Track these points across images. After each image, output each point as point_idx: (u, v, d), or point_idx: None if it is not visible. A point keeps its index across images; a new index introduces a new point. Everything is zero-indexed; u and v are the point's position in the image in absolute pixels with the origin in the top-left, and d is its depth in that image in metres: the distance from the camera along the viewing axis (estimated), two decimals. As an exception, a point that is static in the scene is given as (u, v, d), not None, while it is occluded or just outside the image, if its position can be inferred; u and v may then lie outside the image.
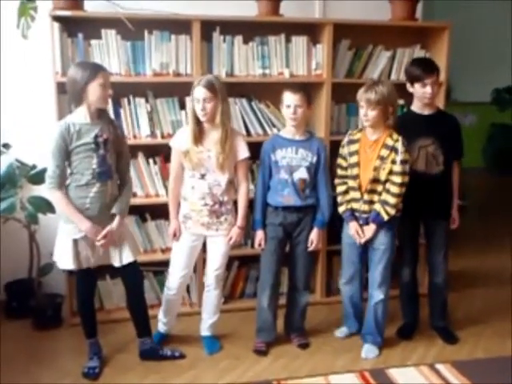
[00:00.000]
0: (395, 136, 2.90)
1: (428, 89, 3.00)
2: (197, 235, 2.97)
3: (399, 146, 2.87)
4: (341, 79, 3.53)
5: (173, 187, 2.97)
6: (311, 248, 3.05)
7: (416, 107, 3.14)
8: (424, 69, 3.02)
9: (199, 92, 2.78)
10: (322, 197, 3.03)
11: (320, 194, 3.03)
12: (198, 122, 2.83)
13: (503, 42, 7.84)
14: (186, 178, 2.93)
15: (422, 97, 3.04)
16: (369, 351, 3.09)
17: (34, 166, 3.32)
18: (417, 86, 3.04)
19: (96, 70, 2.63)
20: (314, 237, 3.03)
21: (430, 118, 3.11)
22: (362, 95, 2.89)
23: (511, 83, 7.95)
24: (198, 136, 2.84)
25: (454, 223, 3.23)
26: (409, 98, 3.68)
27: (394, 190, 2.89)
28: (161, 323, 3.15)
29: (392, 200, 2.90)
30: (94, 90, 2.61)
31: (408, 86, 3.11)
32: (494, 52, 7.81)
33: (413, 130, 3.04)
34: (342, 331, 3.29)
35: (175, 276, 3.00)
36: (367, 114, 2.87)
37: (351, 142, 3.01)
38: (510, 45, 7.81)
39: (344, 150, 3.03)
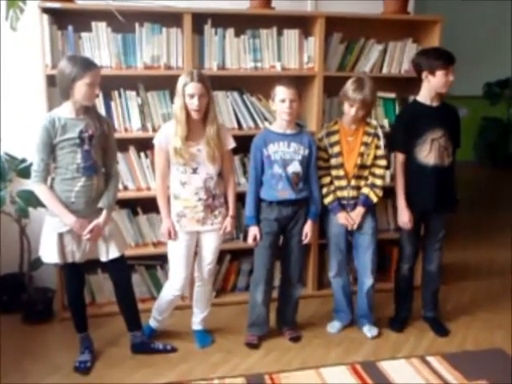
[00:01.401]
0: (373, 123, 3.10)
1: (451, 77, 2.99)
2: (192, 233, 2.95)
3: (379, 131, 3.06)
4: (332, 72, 3.53)
5: (161, 185, 2.92)
6: (306, 240, 3.06)
7: (424, 99, 3.09)
8: (448, 57, 3.01)
9: (194, 88, 2.73)
10: (315, 189, 3.05)
11: (312, 187, 3.04)
12: (187, 118, 2.79)
13: (494, 36, 7.85)
14: (174, 175, 2.89)
15: (443, 85, 3.00)
16: (371, 330, 3.21)
17: (23, 160, 3.30)
18: (439, 74, 2.98)
19: (85, 67, 2.57)
20: (309, 229, 3.04)
21: (439, 109, 3.09)
22: (355, 95, 2.94)
23: (502, 77, 7.98)
24: (189, 132, 2.81)
25: None
26: (399, 91, 3.72)
27: (380, 172, 3.07)
28: (154, 320, 3.13)
29: (379, 182, 3.06)
30: (80, 89, 2.57)
31: (424, 75, 3.02)
32: (486, 46, 7.82)
33: (423, 122, 3.05)
34: (333, 326, 3.29)
35: (178, 277, 2.97)
36: (358, 112, 2.97)
37: (330, 133, 3.08)
38: (501, 39, 7.83)
39: (323, 142, 3.08)
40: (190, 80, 2.74)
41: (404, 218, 3.11)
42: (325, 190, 3.08)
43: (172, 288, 3.00)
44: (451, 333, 3.27)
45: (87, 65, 2.60)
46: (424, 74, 3.04)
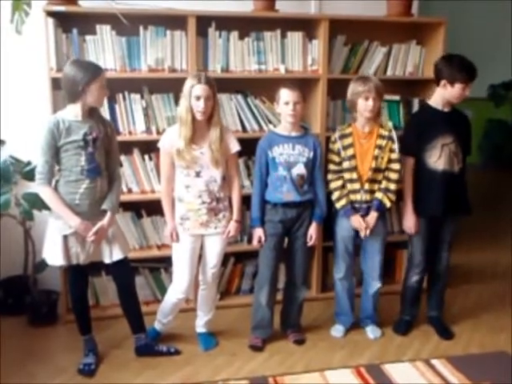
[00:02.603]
0: (387, 126, 3.07)
1: (467, 91, 2.98)
2: (196, 236, 2.94)
3: (394, 135, 3.02)
4: (337, 75, 3.53)
5: (166, 189, 2.92)
6: (311, 243, 3.06)
7: (436, 104, 3.07)
8: (471, 72, 2.96)
9: (201, 90, 2.74)
10: (320, 191, 3.05)
11: (317, 189, 3.04)
12: (193, 121, 2.79)
13: (498, 37, 7.84)
14: (178, 178, 2.89)
15: (458, 98, 2.99)
16: (374, 331, 3.24)
17: (28, 163, 3.30)
18: (457, 86, 2.95)
19: (96, 71, 2.63)
20: (313, 231, 3.04)
21: (450, 115, 3.07)
22: (370, 86, 2.94)
23: (507, 79, 7.96)
24: (193, 134, 2.81)
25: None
26: (404, 93, 3.72)
27: (394, 176, 3.04)
28: (159, 323, 3.13)
29: (393, 186, 3.04)
30: (93, 91, 2.61)
31: (443, 83, 2.99)
32: (490, 47, 7.80)
33: (434, 127, 3.03)
34: (338, 330, 3.27)
35: (182, 280, 2.96)
36: (375, 104, 2.95)
37: (343, 136, 3.06)
38: (505, 41, 7.82)
39: (336, 145, 3.06)
40: (198, 82, 2.74)
41: (409, 222, 3.10)
42: (337, 194, 3.07)
43: (176, 291, 3.00)
44: (456, 336, 3.26)
45: (97, 68, 2.67)
46: (443, 82, 3.00)
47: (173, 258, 3.00)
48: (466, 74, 2.96)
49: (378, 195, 3.05)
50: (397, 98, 3.70)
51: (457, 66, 2.98)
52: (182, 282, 2.96)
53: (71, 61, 2.72)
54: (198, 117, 2.78)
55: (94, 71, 2.62)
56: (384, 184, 3.05)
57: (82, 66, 2.62)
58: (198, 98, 2.75)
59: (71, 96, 2.63)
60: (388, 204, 3.05)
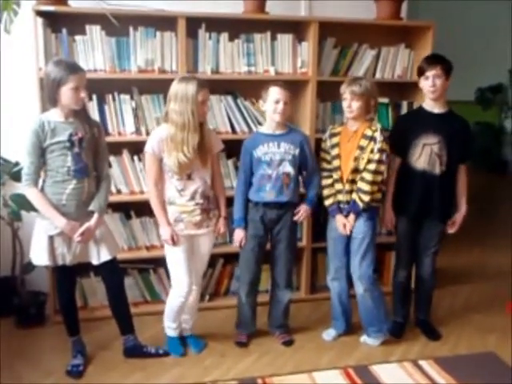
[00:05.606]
0: (374, 127, 3.00)
1: (429, 81, 2.98)
2: (189, 236, 2.92)
3: (377, 135, 2.95)
4: (326, 77, 3.54)
5: (156, 193, 2.84)
6: (296, 218, 3.05)
7: (427, 105, 3.09)
8: (427, 61, 3.02)
9: (206, 95, 2.76)
10: (315, 178, 3.07)
11: (312, 176, 3.07)
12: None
13: (487, 41, 7.92)
14: (170, 182, 2.84)
15: (427, 91, 3.01)
16: (367, 340, 3.18)
17: (16, 163, 3.28)
18: (421, 79, 3.02)
19: (68, 72, 2.55)
20: (303, 210, 3.05)
21: (439, 116, 3.06)
22: (346, 88, 2.95)
23: (494, 83, 8.03)
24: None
25: (452, 227, 3.19)
26: (392, 96, 3.74)
27: (368, 176, 2.96)
28: (171, 330, 3.07)
29: (366, 187, 2.96)
30: (65, 94, 2.56)
31: (419, 81, 3.08)
32: (477, 52, 7.88)
33: (419, 127, 3.04)
34: (329, 333, 3.25)
35: (183, 283, 2.91)
36: (351, 105, 2.94)
37: (333, 135, 3.07)
38: (493, 44, 7.89)
39: (326, 144, 3.08)
40: (202, 87, 2.73)
41: (385, 218, 3.19)
42: (326, 192, 3.08)
43: (179, 295, 2.95)
44: (444, 337, 3.28)
45: (70, 69, 2.58)
46: (419, 81, 3.08)
47: (168, 263, 2.95)
48: (424, 64, 3.02)
49: (353, 196, 3.01)
50: (386, 100, 3.72)
51: (423, 60, 3.07)
52: (183, 286, 2.92)
53: (51, 61, 2.67)
54: (201, 120, 2.78)
55: (65, 73, 2.53)
56: (358, 184, 2.99)
57: (57, 67, 2.56)
58: (203, 103, 2.75)
59: (49, 98, 2.60)
60: (361, 205, 2.97)
